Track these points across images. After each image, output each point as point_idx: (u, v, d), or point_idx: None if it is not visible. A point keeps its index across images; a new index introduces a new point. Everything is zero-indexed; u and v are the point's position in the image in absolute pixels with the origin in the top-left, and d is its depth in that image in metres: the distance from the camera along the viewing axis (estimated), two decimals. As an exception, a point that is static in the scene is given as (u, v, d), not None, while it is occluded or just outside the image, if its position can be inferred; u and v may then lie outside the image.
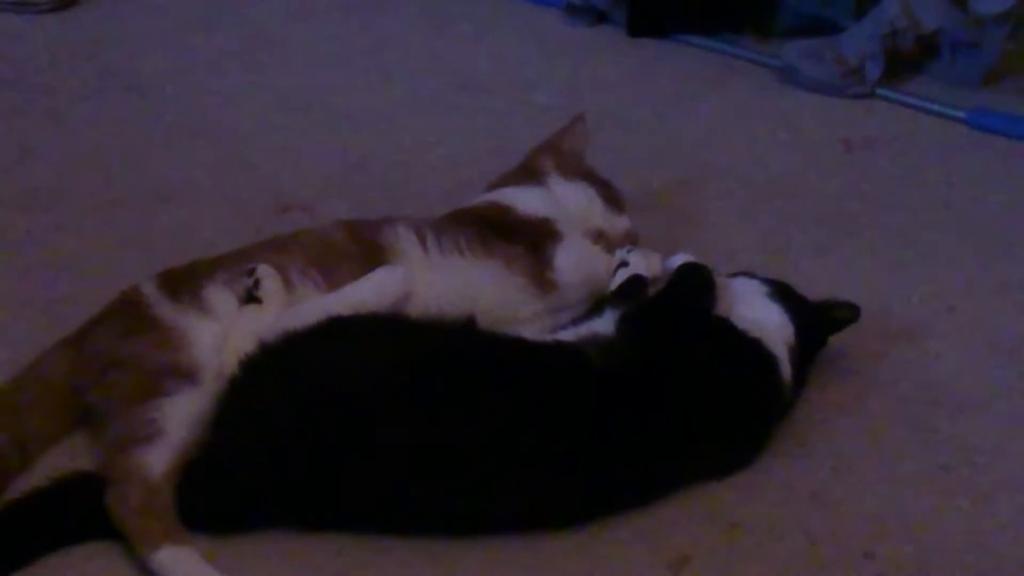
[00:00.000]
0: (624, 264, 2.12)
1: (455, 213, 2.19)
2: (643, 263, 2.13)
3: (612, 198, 2.30)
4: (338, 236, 2.05)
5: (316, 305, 1.89)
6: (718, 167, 2.90)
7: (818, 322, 2.04)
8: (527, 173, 2.31)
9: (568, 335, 1.89)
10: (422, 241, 2.03)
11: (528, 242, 2.09)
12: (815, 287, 2.12)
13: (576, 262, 2.09)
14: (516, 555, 1.71)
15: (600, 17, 3.76)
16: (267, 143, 2.91)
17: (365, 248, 2.01)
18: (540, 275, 2.06)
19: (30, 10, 3.59)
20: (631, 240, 2.26)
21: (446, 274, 2.01)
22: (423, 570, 1.68)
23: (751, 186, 2.81)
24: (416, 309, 1.94)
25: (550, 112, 2.97)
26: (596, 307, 2.02)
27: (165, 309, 1.88)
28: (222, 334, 1.85)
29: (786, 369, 1.93)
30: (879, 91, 3.32)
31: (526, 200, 2.19)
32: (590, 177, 2.31)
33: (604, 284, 2.11)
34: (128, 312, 1.91)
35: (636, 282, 2.09)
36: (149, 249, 2.35)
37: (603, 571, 1.70)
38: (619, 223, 2.28)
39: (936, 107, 3.24)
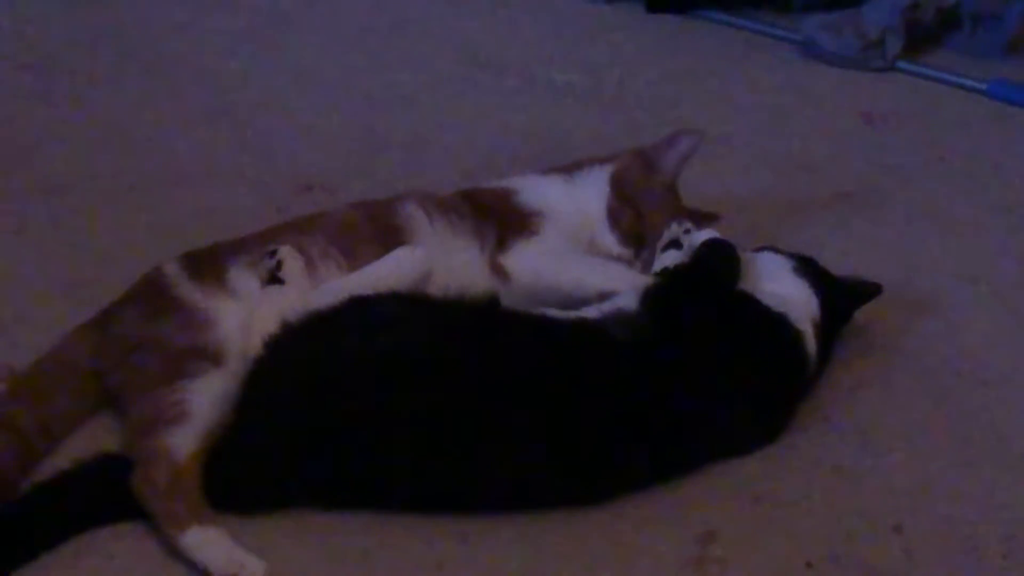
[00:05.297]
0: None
1: (463, 192, 2.18)
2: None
3: (616, 219, 2.13)
4: (355, 217, 2.06)
5: (338, 285, 1.90)
6: (739, 142, 2.89)
7: (843, 297, 2.03)
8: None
9: (592, 311, 1.89)
10: (430, 220, 2.04)
11: (504, 227, 2.07)
12: (839, 261, 2.12)
13: (533, 259, 2.03)
14: (541, 532, 1.71)
15: (619, -7, 3.74)
16: (286, 123, 2.91)
17: (381, 228, 2.02)
18: (495, 258, 2.03)
19: (49, -6, 3.60)
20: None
21: (447, 253, 2.01)
22: (448, 548, 1.68)
23: (773, 161, 2.80)
24: (436, 288, 1.95)
25: (568, 90, 2.96)
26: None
27: (188, 291, 1.89)
28: (245, 315, 1.86)
29: (811, 344, 1.92)
30: (899, 64, 3.30)
31: (536, 189, 2.17)
32: (622, 188, 2.15)
33: (566, 294, 1.98)
34: (151, 294, 1.91)
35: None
36: (171, 231, 2.35)
37: (630, 547, 1.70)
38: (611, 244, 2.12)
39: (957, 79, 3.23)
